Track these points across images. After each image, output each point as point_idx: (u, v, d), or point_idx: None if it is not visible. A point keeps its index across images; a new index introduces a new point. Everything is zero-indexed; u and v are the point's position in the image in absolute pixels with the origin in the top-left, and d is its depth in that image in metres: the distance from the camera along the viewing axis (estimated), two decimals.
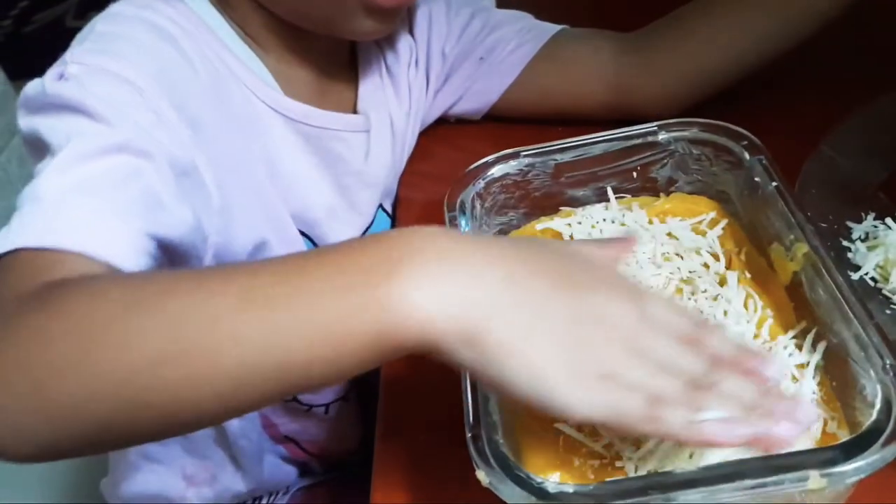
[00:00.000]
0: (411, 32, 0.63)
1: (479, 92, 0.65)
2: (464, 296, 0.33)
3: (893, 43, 0.67)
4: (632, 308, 0.35)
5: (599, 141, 0.50)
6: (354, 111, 0.60)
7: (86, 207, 0.42)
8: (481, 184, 0.49)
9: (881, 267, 0.48)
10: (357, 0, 0.52)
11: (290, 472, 0.66)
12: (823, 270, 0.41)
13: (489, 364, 0.33)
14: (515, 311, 0.33)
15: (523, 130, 0.64)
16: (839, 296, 0.40)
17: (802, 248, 0.43)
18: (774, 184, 0.45)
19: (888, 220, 0.51)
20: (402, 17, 0.59)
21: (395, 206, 0.63)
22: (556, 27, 0.65)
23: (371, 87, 0.60)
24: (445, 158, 0.66)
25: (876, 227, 0.51)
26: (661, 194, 0.51)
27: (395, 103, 0.62)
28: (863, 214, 0.51)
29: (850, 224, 0.51)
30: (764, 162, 0.47)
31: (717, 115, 0.51)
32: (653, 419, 0.34)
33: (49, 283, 0.37)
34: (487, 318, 0.33)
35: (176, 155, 0.45)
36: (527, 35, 0.64)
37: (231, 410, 0.35)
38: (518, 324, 0.33)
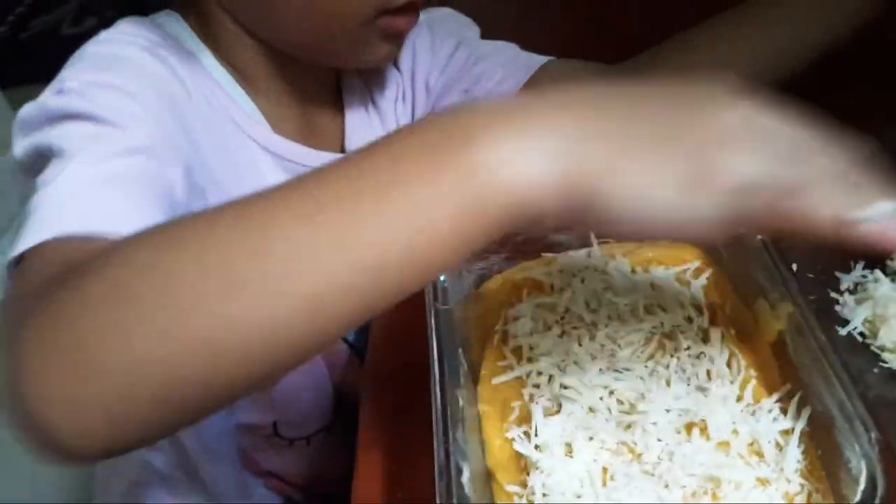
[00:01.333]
0: (396, 65, 0.62)
1: None
2: (550, 147, 0.31)
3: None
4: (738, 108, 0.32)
5: None
6: (342, 149, 0.59)
7: (110, 197, 0.40)
8: None
9: (870, 322, 0.47)
10: (377, 30, 0.52)
11: None
12: (808, 333, 0.40)
13: (592, 207, 0.31)
14: (604, 142, 0.31)
15: None
16: (824, 362, 0.38)
17: (787, 308, 0.41)
18: (759, 236, 0.44)
19: (877, 272, 0.49)
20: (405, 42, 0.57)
21: None
22: (544, 59, 0.64)
23: (358, 123, 0.60)
24: None
25: (865, 277, 0.49)
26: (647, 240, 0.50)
27: (380, 133, 0.60)
28: (852, 263, 0.50)
29: (838, 275, 0.50)
30: None
31: None
32: (796, 210, 0.31)
33: (81, 260, 0.34)
34: (580, 160, 0.31)
35: (186, 165, 0.45)
36: (513, 66, 0.63)
37: (316, 335, 0.32)
38: (609, 151, 0.31)
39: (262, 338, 0.31)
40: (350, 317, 0.32)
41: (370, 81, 0.61)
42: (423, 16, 0.60)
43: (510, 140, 0.31)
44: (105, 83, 0.45)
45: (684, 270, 0.47)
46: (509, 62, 0.63)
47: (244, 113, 0.53)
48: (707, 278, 0.47)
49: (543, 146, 0.31)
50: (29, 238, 0.38)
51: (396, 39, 0.55)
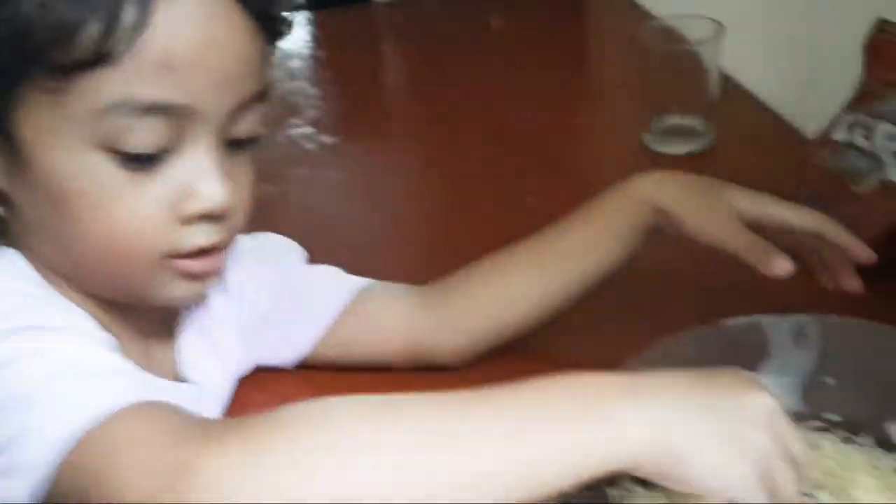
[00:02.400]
0: (225, 289, 0.66)
1: (290, 345, 0.69)
2: (659, 419, 0.43)
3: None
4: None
5: None
6: (175, 376, 0.62)
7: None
8: None
9: None
10: (168, 270, 0.54)
11: None
12: None
13: (681, 473, 0.43)
14: (695, 426, 0.43)
15: (330, 375, 0.69)
16: None
17: None
18: None
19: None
20: (215, 279, 0.60)
21: None
22: (364, 282, 0.70)
23: (190, 349, 0.63)
24: (262, 406, 0.68)
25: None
26: None
27: (215, 361, 0.64)
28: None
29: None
30: None
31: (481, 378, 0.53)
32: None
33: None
34: (679, 432, 0.43)
35: None
36: (335, 292, 0.69)
37: None
38: (699, 436, 0.43)
39: None
40: None
41: (200, 308, 0.64)
42: (251, 241, 0.66)
43: (640, 410, 0.43)
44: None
45: None
46: (332, 285, 0.69)
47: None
48: None
49: (660, 417, 0.43)
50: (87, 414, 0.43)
51: (198, 279, 0.56)
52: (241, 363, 0.68)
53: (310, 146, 1.09)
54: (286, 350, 0.70)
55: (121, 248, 0.53)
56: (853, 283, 0.65)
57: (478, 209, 0.95)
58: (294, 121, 1.14)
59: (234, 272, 0.66)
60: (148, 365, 0.59)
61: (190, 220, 0.53)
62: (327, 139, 1.10)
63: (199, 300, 0.61)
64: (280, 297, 0.69)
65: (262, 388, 0.70)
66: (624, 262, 0.68)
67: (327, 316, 0.69)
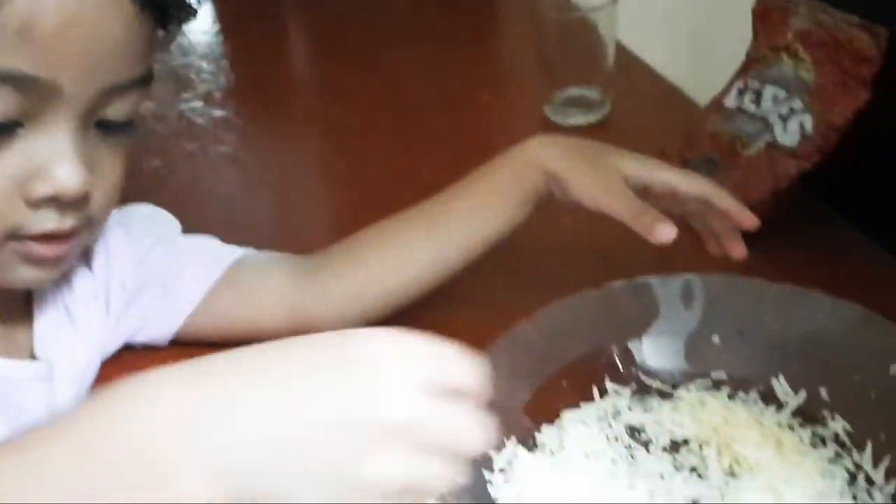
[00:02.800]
0: (89, 265, 0.62)
1: (161, 321, 0.66)
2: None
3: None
4: None
5: None
6: (32, 355, 0.58)
7: None
8: None
9: (517, 501, 0.49)
10: (12, 251, 0.51)
11: None
12: None
13: None
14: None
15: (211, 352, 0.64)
16: None
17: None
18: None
19: (521, 450, 0.52)
20: (68, 264, 0.57)
21: None
22: (239, 252, 0.67)
23: (49, 328, 0.59)
24: None
25: (515, 455, 0.52)
26: None
27: (75, 340, 0.60)
28: (504, 439, 0.52)
29: (491, 453, 0.52)
30: None
31: None
32: None
33: None
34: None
35: None
36: (209, 263, 0.66)
37: None
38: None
39: None
40: None
41: (62, 284, 0.60)
42: (120, 214, 0.62)
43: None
44: None
45: None
46: (205, 258, 0.66)
47: None
48: None
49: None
50: None
51: (44, 264, 0.53)
52: (107, 342, 0.64)
53: (200, 121, 1.05)
54: (156, 327, 0.66)
55: None
56: (738, 250, 0.64)
57: (374, 185, 0.92)
58: (185, 95, 1.10)
59: (99, 245, 0.62)
60: (3, 345, 0.55)
61: (37, 203, 0.50)
62: (218, 113, 1.06)
63: (44, 286, 0.57)
64: (148, 272, 0.65)
65: (132, 367, 0.65)
66: (515, 227, 0.66)
67: (198, 289, 0.65)
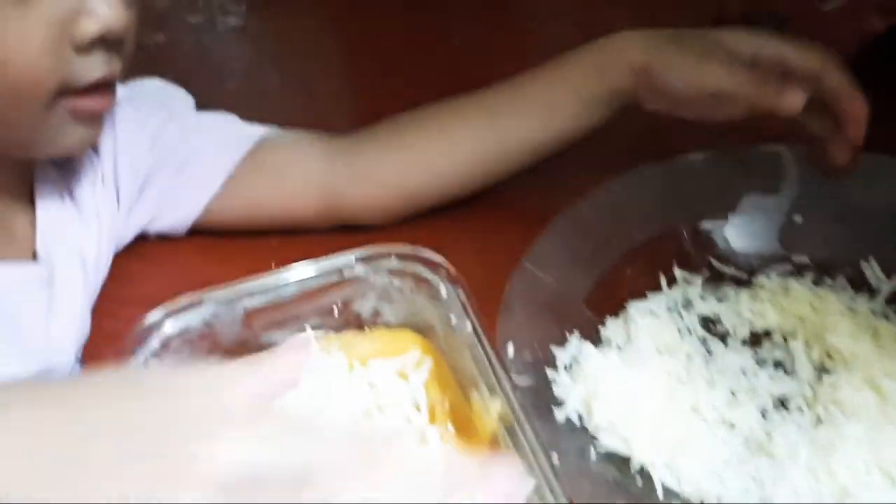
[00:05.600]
0: (94, 148, 0.55)
1: (178, 206, 0.59)
2: None
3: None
4: None
5: (292, 282, 0.44)
6: (33, 252, 0.52)
7: None
8: (156, 343, 0.41)
9: (585, 401, 0.45)
10: (63, 110, 0.48)
11: None
12: (520, 433, 0.37)
13: None
14: None
15: (235, 243, 0.60)
16: (536, 468, 0.35)
17: (497, 406, 0.38)
18: (469, 325, 0.41)
19: (587, 345, 0.47)
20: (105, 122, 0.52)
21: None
22: (262, 130, 0.60)
23: (53, 219, 0.53)
24: (148, 279, 0.59)
25: (580, 351, 0.47)
26: (367, 328, 0.46)
27: (84, 233, 0.54)
28: (566, 334, 0.47)
29: (553, 350, 0.47)
30: (461, 296, 0.42)
31: (425, 235, 0.50)
32: None
33: None
34: None
35: None
36: (230, 142, 0.59)
37: None
38: None
39: None
40: None
41: (65, 170, 0.54)
42: (126, 90, 0.55)
43: None
44: None
45: (404, 362, 0.43)
46: (226, 137, 0.59)
47: None
48: (428, 370, 0.42)
49: None
50: None
51: (90, 122, 0.50)
52: (120, 232, 0.58)
53: None
54: (173, 214, 0.59)
55: (9, 83, 0.46)
56: (843, 156, 0.52)
57: (397, 53, 0.83)
58: None
59: (106, 126, 0.55)
60: (2, 242, 0.50)
61: (86, 47, 0.47)
62: None
63: (88, 147, 0.53)
64: (161, 153, 0.58)
65: (146, 259, 0.59)
66: (590, 129, 0.57)
67: (219, 171, 0.58)
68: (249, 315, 0.44)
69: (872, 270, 0.51)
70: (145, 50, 0.86)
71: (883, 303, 0.50)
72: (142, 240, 0.61)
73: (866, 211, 0.52)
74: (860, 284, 0.51)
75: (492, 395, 0.39)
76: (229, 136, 0.60)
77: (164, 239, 0.61)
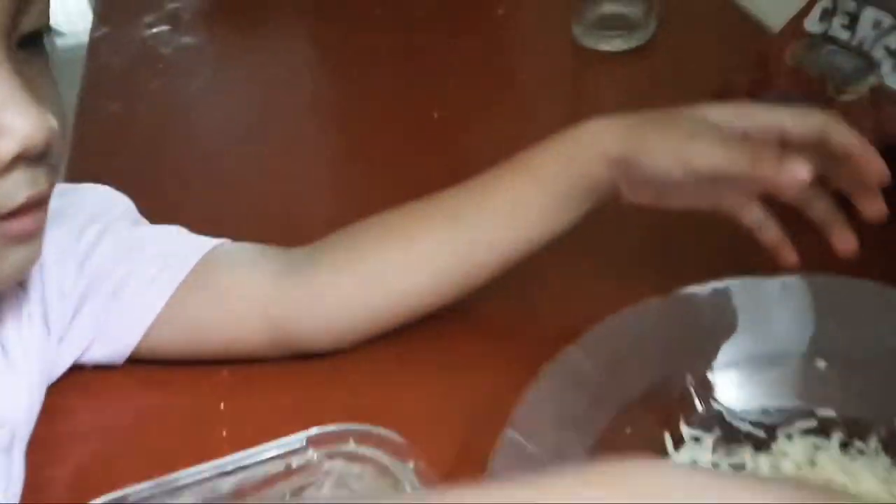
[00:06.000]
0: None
1: (114, 334, 0.52)
2: None
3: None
4: None
5: (228, 472, 0.38)
6: None
7: None
8: None
9: None
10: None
11: None
12: None
13: None
14: None
15: (181, 373, 0.53)
16: None
17: None
18: None
19: None
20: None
21: None
22: (209, 243, 0.54)
23: None
24: (82, 413, 0.53)
25: None
26: None
27: (8, 374, 0.48)
28: None
29: None
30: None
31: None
32: None
33: None
34: None
35: None
36: (173, 259, 0.52)
37: None
38: None
39: None
40: None
41: None
42: (59, 198, 0.48)
43: None
44: None
45: None
46: (169, 252, 0.53)
47: None
48: None
49: None
50: None
51: (27, 241, 0.44)
52: (52, 363, 0.51)
53: (166, 50, 0.89)
54: (109, 342, 0.53)
55: None
56: (876, 208, 0.47)
57: (375, 119, 0.77)
58: (147, 18, 0.93)
59: None
60: None
61: (8, 167, 0.41)
62: (188, 40, 0.90)
63: (32, 266, 0.46)
64: (94, 276, 0.51)
65: (83, 392, 0.53)
66: (564, 229, 0.51)
67: (160, 293, 0.52)
68: None
69: None
70: (100, 120, 0.81)
71: None
72: (77, 370, 0.54)
73: None
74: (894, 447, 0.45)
75: None
76: (173, 253, 0.53)
77: (101, 369, 0.54)
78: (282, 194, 0.70)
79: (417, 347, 0.53)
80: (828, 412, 0.46)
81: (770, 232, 0.51)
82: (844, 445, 0.45)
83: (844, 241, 0.49)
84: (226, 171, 0.74)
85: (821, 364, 0.47)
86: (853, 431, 0.45)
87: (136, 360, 0.54)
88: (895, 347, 0.46)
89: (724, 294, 0.48)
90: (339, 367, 0.52)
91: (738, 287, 0.48)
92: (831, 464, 0.43)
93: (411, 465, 0.38)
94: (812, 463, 0.43)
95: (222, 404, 0.51)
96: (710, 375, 0.47)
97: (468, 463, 0.43)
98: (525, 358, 0.46)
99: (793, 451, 0.44)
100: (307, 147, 0.78)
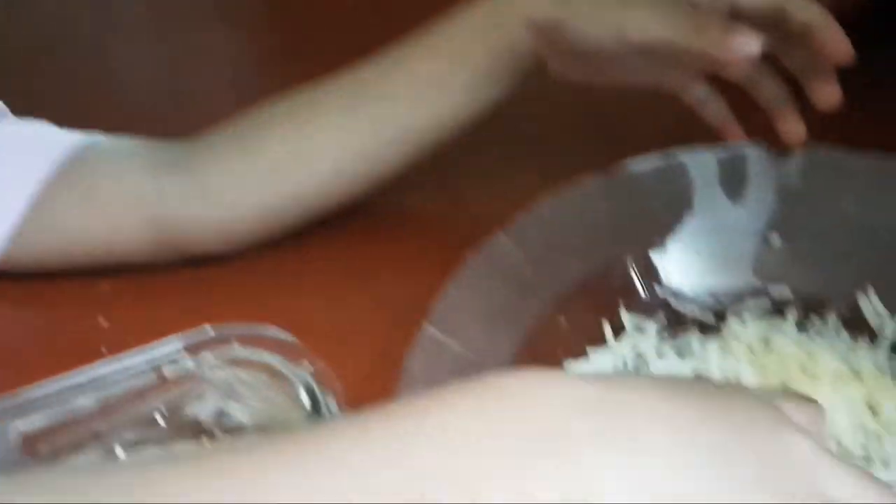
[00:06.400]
0: None
1: None
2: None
3: None
4: None
5: (86, 385, 0.32)
6: None
7: None
8: None
9: None
10: None
11: None
12: None
13: None
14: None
15: (54, 287, 0.47)
16: None
17: None
18: None
19: None
20: None
21: None
22: (80, 138, 0.48)
23: None
24: None
25: None
26: (206, 438, 0.34)
27: None
28: None
29: None
30: (330, 405, 0.32)
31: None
32: None
33: None
34: None
35: None
36: (36, 154, 0.46)
37: None
38: None
39: None
40: None
41: None
42: None
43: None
44: None
45: None
46: (30, 148, 0.47)
47: None
48: None
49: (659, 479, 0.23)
50: None
51: None
52: None
53: None
54: None
55: None
56: (828, 93, 0.42)
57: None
58: None
59: None
60: None
61: None
62: None
63: None
64: None
65: None
66: (487, 108, 0.46)
67: (20, 195, 0.45)
68: (28, 441, 0.31)
69: (872, 306, 0.40)
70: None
71: (888, 353, 0.39)
72: None
73: (862, 227, 0.41)
74: (857, 324, 0.40)
75: None
76: (36, 148, 0.47)
77: None
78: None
79: (322, 248, 0.47)
80: (783, 291, 0.41)
81: (714, 107, 0.46)
82: (801, 325, 0.40)
83: (792, 128, 0.44)
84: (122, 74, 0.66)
85: (775, 240, 0.42)
86: (810, 309, 0.41)
87: (3, 274, 0.47)
88: (855, 218, 0.41)
89: (667, 170, 0.43)
90: (233, 273, 0.47)
91: (682, 162, 0.43)
92: (787, 344, 0.38)
93: (307, 367, 0.33)
94: (766, 343, 0.39)
95: (102, 319, 0.45)
96: (654, 258, 0.42)
97: (381, 367, 0.38)
98: (447, 254, 0.41)
99: (745, 334, 0.39)
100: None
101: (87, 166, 0.47)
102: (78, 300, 0.46)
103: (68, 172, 0.46)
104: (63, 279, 0.47)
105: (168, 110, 0.63)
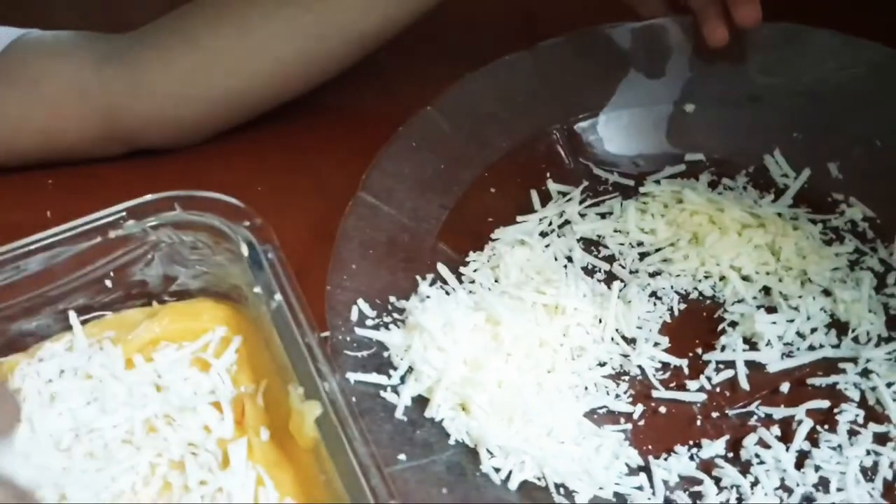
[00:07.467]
0: None
1: None
2: None
3: None
4: None
5: (33, 250, 0.33)
6: None
7: None
8: None
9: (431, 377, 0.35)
10: None
11: None
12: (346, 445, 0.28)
13: None
14: None
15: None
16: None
17: (314, 410, 0.30)
18: (277, 297, 0.32)
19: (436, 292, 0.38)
20: None
21: None
22: (15, 32, 0.47)
23: None
24: None
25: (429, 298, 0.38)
26: (156, 301, 0.36)
27: None
28: (418, 280, 0.39)
29: (397, 304, 0.38)
30: (269, 255, 0.33)
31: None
32: None
33: None
34: None
35: None
36: None
37: None
38: None
39: None
40: None
41: None
42: None
43: None
44: None
45: (204, 346, 0.34)
46: None
47: None
48: (236, 351, 0.33)
49: None
50: None
51: None
52: None
53: None
54: None
55: None
56: (748, 14, 0.43)
57: None
58: None
59: None
60: None
61: None
62: None
63: None
64: None
65: None
66: (426, 10, 0.46)
67: None
68: None
69: (777, 165, 0.43)
70: None
71: (790, 204, 0.42)
72: None
73: (769, 92, 0.44)
74: (764, 183, 0.43)
75: (308, 396, 0.29)
76: None
77: None
78: None
79: (272, 140, 0.48)
80: (696, 156, 0.44)
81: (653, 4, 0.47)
82: (713, 185, 0.43)
83: (716, 34, 0.44)
84: None
85: (689, 108, 0.45)
86: (721, 172, 0.44)
87: None
88: (766, 85, 0.44)
89: (588, 42, 0.45)
90: (182, 165, 0.47)
91: (602, 34, 0.45)
92: (699, 200, 0.41)
93: (247, 224, 0.35)
94: (679, 200, 0.41)
95: (49, 213, 0.45)
96: (577, 128, 0.44)
97: (319, 234, 0.39)
98: (379, 133, 0.42)
99: (660, 193, 0.42)
100: None
101: (24, 58, 0.47)
102: (21, 198, 0.47)
103: (6, 63, 0.46)
104: (3, 176, 0.48)
105: None
